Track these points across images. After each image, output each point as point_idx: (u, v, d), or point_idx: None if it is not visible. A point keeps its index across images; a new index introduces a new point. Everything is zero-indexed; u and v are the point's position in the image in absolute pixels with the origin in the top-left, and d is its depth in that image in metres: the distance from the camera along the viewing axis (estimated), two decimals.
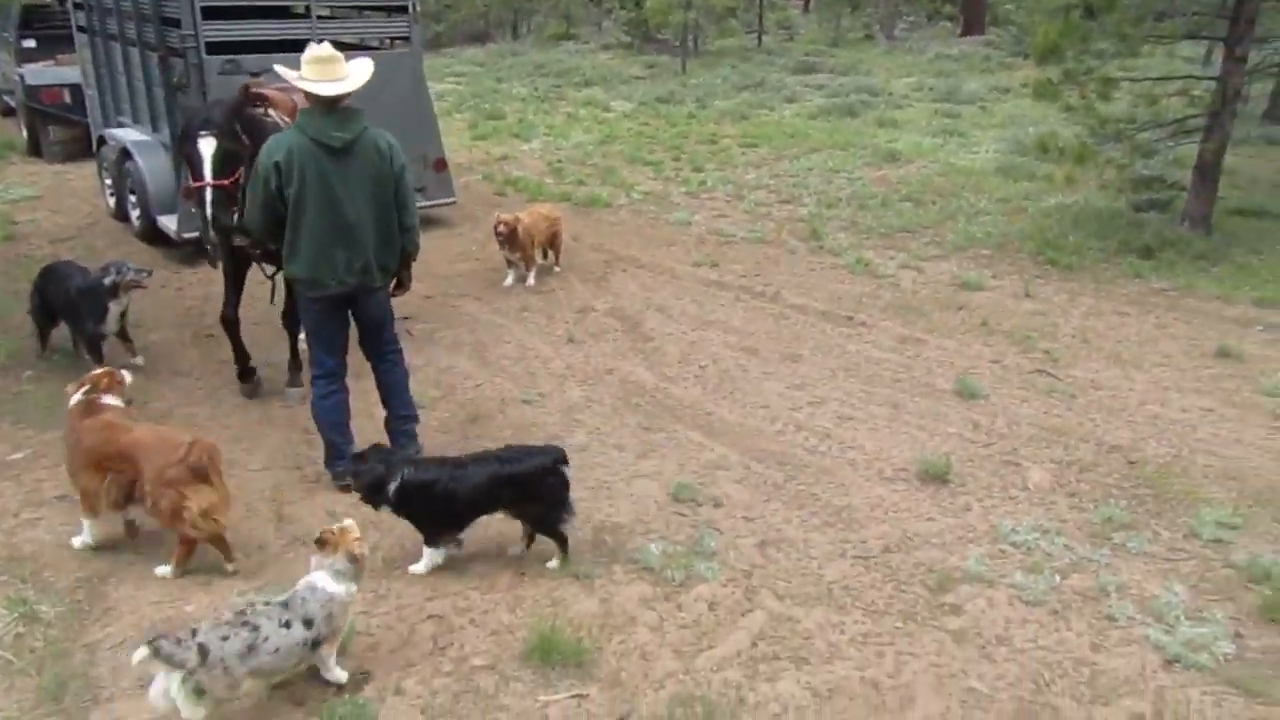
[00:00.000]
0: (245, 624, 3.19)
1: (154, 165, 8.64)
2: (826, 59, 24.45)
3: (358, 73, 4.63)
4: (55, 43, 13.12)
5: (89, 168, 11.22)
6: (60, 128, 12.48)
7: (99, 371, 4.58)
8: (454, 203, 9.91)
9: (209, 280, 7.33)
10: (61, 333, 6.59)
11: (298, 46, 8.30)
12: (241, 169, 5.15)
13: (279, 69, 4.85)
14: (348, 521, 3.51)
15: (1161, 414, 5.79)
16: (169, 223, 8.47)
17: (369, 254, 4.72)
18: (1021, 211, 10.20)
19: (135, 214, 9.15)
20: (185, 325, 7.24)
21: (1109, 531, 4.55)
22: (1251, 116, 13.67)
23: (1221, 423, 5.68)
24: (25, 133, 13.10)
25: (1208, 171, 8.87)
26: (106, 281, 6.17)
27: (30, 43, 13.32)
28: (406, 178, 4.81)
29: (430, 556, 4.21)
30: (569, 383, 6.26)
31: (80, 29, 10.42)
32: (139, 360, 6.42)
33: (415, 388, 5.48)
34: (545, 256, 8.44)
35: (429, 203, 9.06)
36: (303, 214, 4.55)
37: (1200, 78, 9.73)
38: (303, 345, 6.16)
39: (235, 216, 5.18)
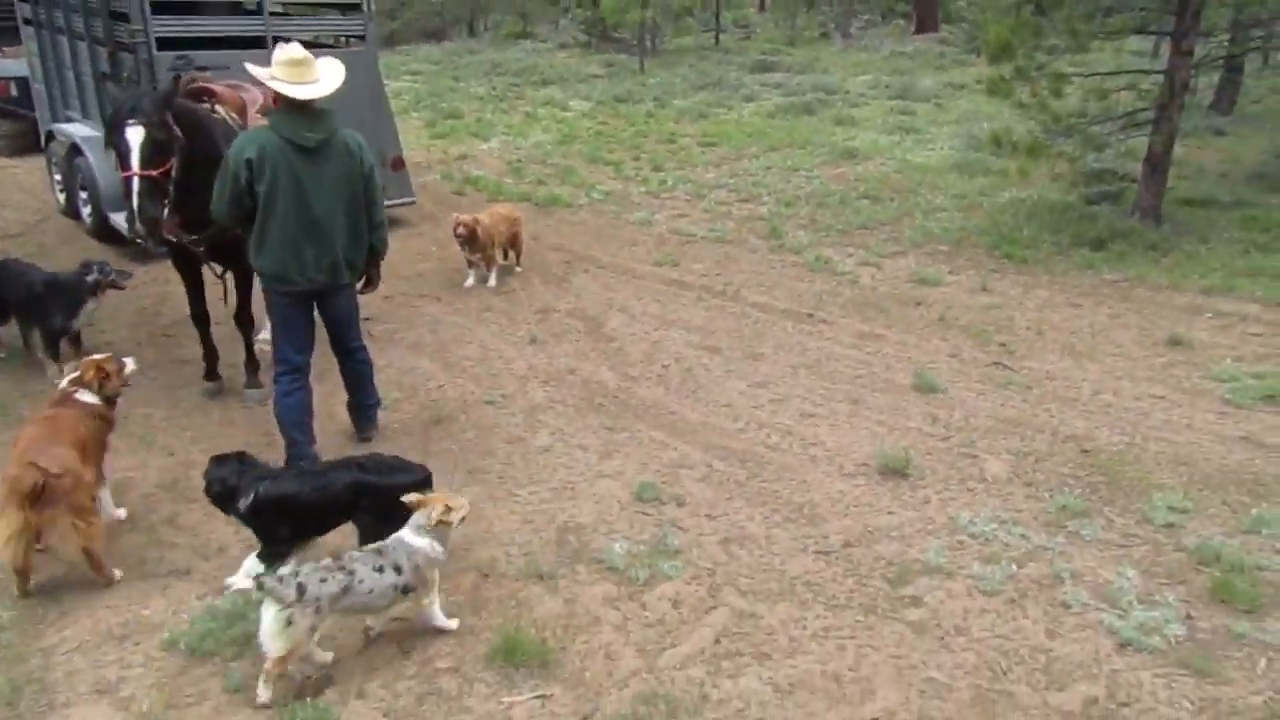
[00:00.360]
0: (342, 569, 3.48)
1: (104, 160, 8.49)
2: (783, 58, 24.61)
3: (330, 76, 4.72)
4: (1, 35, 12.84)
5: (37, 162, 11.00)
6: (6, 122, 12.25)
7: (97, 358, 4.57)
8: (413, 202, 9.85)
9: (164, 279, 7.24)
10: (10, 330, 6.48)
11: (251, 43, 8.31)
12: (173, 160, 5.01)
13: (250, 67, 4.86)
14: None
15: (1114, 403, 5.91)
16: (120, 220, 8.31)
17: (337, 251, 4.81)
18: (977, 207, 10.34)
19: (86, 211, 9.00)
20: (140, 324, 7.15)
21: (1064, 520, 4.64)
22: (1199, 108, 13.99)
23: (1173, 409, 5.81)
24: None
25: (1157, 163, 9.05)
26: (89, 279, 6.12)
27: None
28: (375, 177, 4.92)
29: (248, 568, 4.03)
30: (532, 383, 6.25)
31: (26, 21, 10.21)
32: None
33: (377, 389, 5.49)
34: (506, 257, 8.42)
35: (388, 202, 8.95)
36: (272, 211, 4.63)
37: (1148, 72, 9.93)
38: (260, 346, 6.13)
39: (164, 209, 5.03)
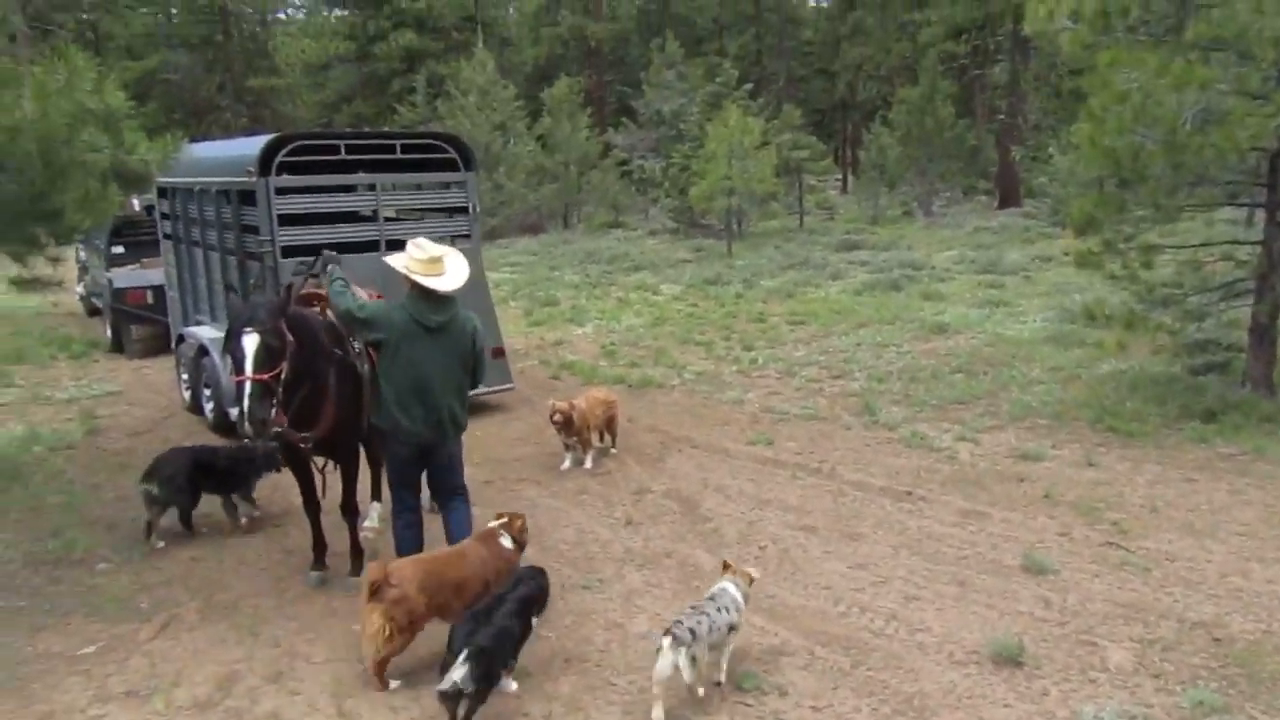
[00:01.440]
0: (703, 612, 4.60)
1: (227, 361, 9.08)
2: (867, 236, 25.22)
3: (457, 271, 5.58)
4: (141, 248, 14.13)
5: (165, 362, 11.81)
6: (142, 326, 13.26)
7: (512, 514, 5.60)
8: (512, 388, 10.18)
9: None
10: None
11: (366, 247, 8.94)
12: (284, 364, 5.33)
13: (388, 260, 5.62)
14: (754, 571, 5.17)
15: (1246, 586, 5.58)
16: None
17: (443, 411, 5.55)
18: (1076, 380, 10.19)
19: (209, 406, 9.54)
20: (255, 517, 7.38)
21: (1200, 717, 4.32)
22: None
23: None
24: (109, 331, 13.91)
25: (1263, 333, 8.83)
26: (273, 448, 6.58)
27: (119, 249, 14.35)
28: (483, 355, 5.78)
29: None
30: (628, 567, 6.23)
31: (166, 236, 11.22)
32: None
33: None
34: (602, 439, 8.57)
35: (488, 389, 9.33)
36: (391, 375, 5.44)
37: (1243, 242, 9.85)
38: (363, 533, 6.32)
39: (273, 410, 5.31)
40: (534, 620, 4.88)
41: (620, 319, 15.27)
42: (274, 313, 5.38)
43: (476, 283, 9.61)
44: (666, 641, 4.44)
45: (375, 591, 4.69)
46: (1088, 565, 5.97)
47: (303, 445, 5.75)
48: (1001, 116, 34.56)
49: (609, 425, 8.51)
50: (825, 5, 52.83)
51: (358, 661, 5.11)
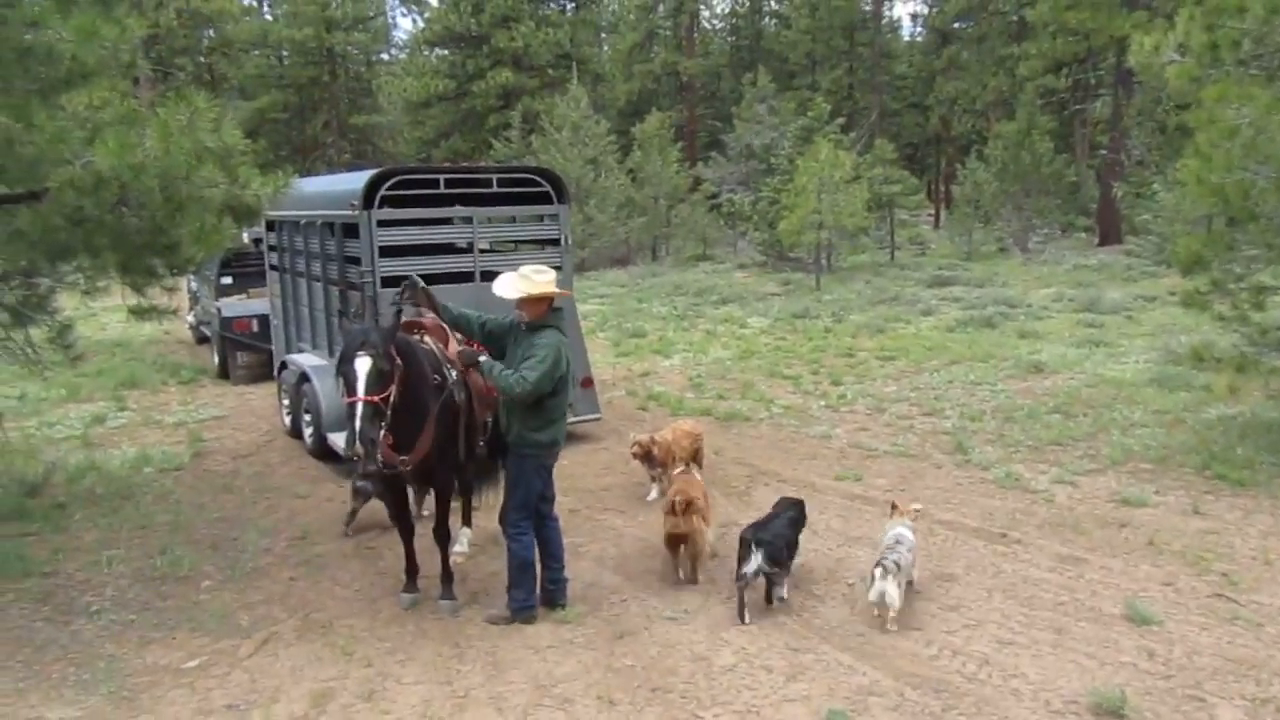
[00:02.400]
0: (900, 543, 5.84)
1: (328, 387, 9.38)
2: (961, 272, 24.77)
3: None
4: (248, 279, 14.76)
5: (268, 389, 12.27)
6: (247, 354, 13.80)
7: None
8: (599, 418, 10.28)
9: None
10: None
11: (460, 278, 9.18)
12: (393, 388, 5.51)
13: (498, 289, 5.94)
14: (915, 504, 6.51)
15: None
16: (338, 440, 9.08)
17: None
18: (1181, 424, 9.80)
19: (308, 432, 9.87)
20: (347, 538, 7.60)
21: None
22: None
23: None
24: (217, 359, 14.51)
25: None
26: None
27: (227, 280, 15.01)
28: None
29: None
30: (714, 599, 6.21)
31: (273, 267, 11.70)
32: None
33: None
34: (687, 470, 8.56)
35: (576, 419, 9.43)
36: (559, 393, 5.88)
37: None
38: (454, 558, 6.44)
39: (381, 431, 5.47)
40: (799, 535, 6.35)
41: (707, 351, 15.29)
42: (386, 337, 5.58)
43: (569, 314, 9.82)
44: (878, 571, 5.63)
45: (688, 505, 6.07)
46: (1194, 617, 5.72)
47: (400, 469, 5.91)
48: (1103, 152, 33.66)
49: (695, 457, 8.52)
50: (920, 40, 52.52)
51: (446, 683, 5.21)
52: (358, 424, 5.37)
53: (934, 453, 9.35)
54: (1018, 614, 5.84)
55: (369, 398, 5.38)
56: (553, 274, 6.05)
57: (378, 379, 5.42)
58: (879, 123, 43.41)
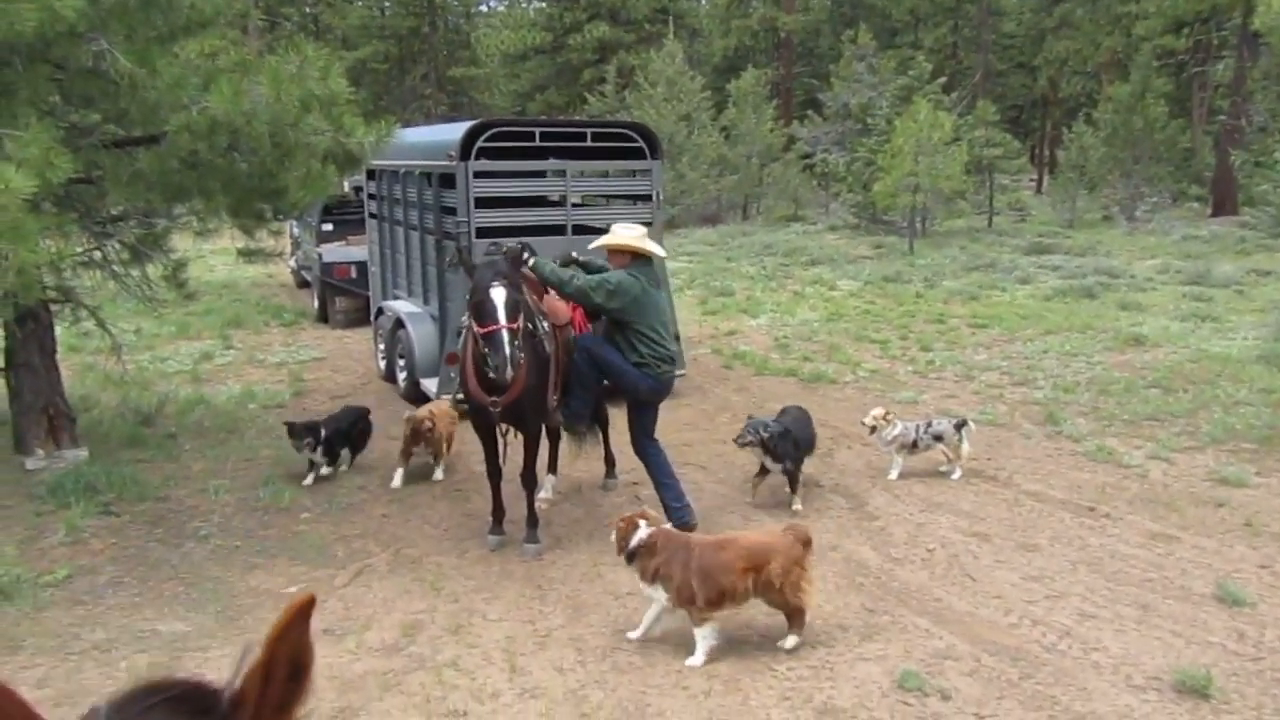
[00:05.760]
0: (930, 423, 7.69)
1: (422, 333, 9.67)
2: (1061, 240, 23.99)
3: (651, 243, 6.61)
4: (347, 226, 15.18)
5: (364, 333, 12.67)
6: (346, 299, 14.25)
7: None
8: (683, 374, 10.34)
9: (462, 439, 7.99)
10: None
11: (552, 230, 9.31)
12: (522, 315, 5.77)
13: (599, 241, 6.59)
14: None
15: None
16: (430, 385, 9.37)
17: (670, 349, 6.46)
18: None
19: (402, 376, 10.19)
20: (438, 481, 7.86)
21: None
22: None
23: None
24: (317, 303, 15.03)
25: None
26: None
27: (328, 226, 15.47)
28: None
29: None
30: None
31: (371, 215, 12.01)
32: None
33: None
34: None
35: None
36: (642, 333, 6.24)
37: None
38: (539, 503, 6.62)
39: (522, 357, 5.75)
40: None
41: (795, 312, 15.19)
42: (514, 269, 5.92)
43: (658, 268, 9.87)
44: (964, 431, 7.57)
45: (808, 544, 5.26)
46: None
47: (492, 409, 6.07)
48: (1223, 117, 31.97)
49: None
50: None
51: (529, 622, 5.40)
52: (507, 349, 5.58)
53: (1023, 422, 9.18)
54: (1102, 588, 5.75)
55: (510, 325, 5.60)
56: (640, 229, 6.49)
57: (514, 307, 5.67)
58: (983, 83, 41.90)
